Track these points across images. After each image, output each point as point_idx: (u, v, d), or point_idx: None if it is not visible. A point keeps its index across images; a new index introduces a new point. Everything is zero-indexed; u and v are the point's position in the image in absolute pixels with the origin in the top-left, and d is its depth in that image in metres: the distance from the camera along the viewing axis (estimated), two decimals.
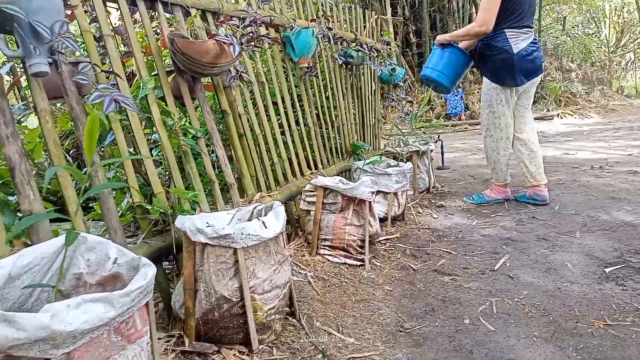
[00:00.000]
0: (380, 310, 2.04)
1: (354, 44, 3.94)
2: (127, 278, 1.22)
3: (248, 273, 1.57)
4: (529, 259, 2.55)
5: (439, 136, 5.45)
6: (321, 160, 3.30)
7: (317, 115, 3.33)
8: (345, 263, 2.45)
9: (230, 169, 2.21)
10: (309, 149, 3.09)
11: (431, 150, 4.36)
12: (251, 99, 2.60)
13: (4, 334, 0.84)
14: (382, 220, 3.24)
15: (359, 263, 2.46)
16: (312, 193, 2.51)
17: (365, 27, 4.38)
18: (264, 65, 2.90)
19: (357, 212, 2.48)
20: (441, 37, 3.59)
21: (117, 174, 2.06)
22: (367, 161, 3.32)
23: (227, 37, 1.98)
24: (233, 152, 2.34)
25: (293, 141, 2.95)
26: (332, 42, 3.03)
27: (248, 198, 2.32)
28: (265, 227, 1.65)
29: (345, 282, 2.29)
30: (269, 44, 2.43)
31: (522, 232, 3.00)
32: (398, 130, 3.66)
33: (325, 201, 2.49)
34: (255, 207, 1.89)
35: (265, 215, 1.81)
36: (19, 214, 1.43)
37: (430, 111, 11.59)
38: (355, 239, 2.45)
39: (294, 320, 1.84)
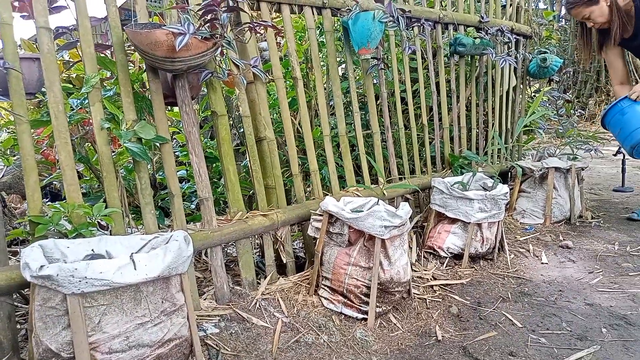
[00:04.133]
0: None
1: (471, 28, 3.14)
2: None
3: (90, 325, 1.24)
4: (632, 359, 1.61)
5: (619, 148, 4.12)
6: (389, 172, 2.69)
7: (390, 117, 2.71)
8: (342, 313, 1.90)
9: (205, 181, 1.87)
10: (362, 158, 2.52)
11: (582, 168, 3.27)
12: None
13: None
14: (457, 257, 2.50)
15: (361, 316, 1.88)
16: (320, 217, 2.01)
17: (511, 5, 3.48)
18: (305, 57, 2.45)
19: (367, 249, 1.89)
20: None
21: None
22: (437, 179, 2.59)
23: (181, 26, 1.63)
24: (219, 160, 1.99)
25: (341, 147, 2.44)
26: (402, 26, 2.37)
27: (227, 216, 1.95)
28: (135, 267, 1.29)
29: (324, 340, 1.76)
30: (255, 31, 1.94)
31: None
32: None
33: (331, 230, 1.97)
34: (172, 235, 1.52)
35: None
36: None
37: None
38: (358, 284, 1.87)
39: None
